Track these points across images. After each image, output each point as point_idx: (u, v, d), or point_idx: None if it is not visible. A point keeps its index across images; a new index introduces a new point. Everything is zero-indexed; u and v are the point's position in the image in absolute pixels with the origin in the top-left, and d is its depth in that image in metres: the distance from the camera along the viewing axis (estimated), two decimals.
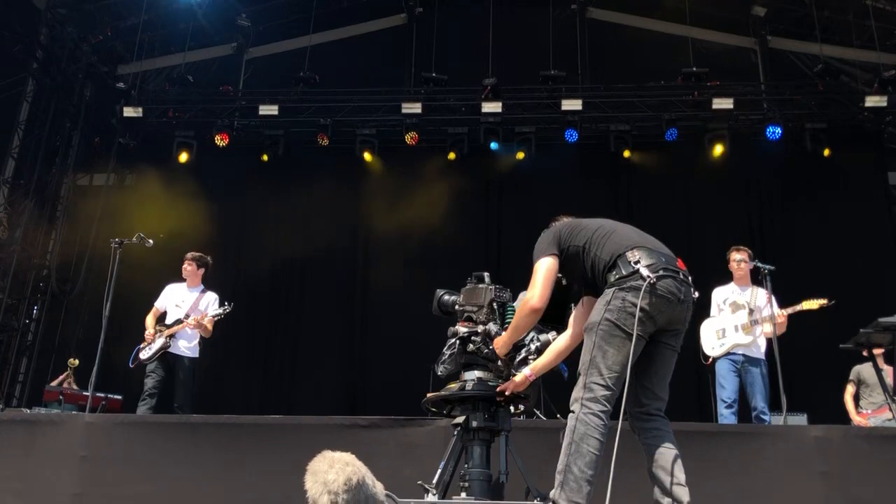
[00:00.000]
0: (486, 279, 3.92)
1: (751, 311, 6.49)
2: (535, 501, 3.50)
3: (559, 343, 3.67)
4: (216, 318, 6.89)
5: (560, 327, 3.72)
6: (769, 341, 6.34)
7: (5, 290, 10.86)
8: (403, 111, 11.02)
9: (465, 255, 10.89)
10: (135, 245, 6.72)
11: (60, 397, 8.22)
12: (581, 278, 3.59)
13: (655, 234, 11.03)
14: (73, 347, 10.41)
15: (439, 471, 3.63)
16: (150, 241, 6.80)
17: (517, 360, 3.69)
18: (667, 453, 3.28)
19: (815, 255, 9.97)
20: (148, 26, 11.79)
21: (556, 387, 3.97)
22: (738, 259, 6.69)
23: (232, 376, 10.57)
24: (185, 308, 7.00)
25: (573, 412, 3.25)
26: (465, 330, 3.78)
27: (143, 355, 6.87)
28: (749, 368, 6.45)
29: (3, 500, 4.58)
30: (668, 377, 3.49)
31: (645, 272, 3.29)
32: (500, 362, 3.70)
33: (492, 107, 10.92)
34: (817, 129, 10.69)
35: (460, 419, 3.71)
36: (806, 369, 8.17)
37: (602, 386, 3.22)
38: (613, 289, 3.33)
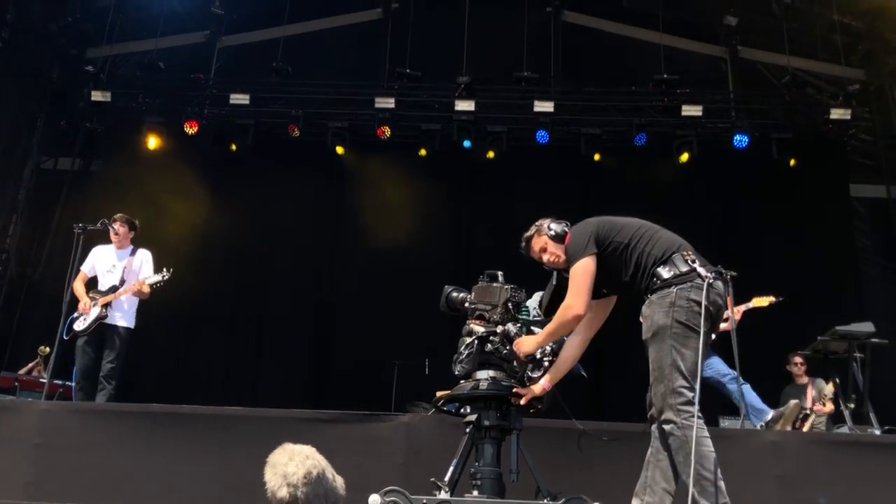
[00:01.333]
0: (500, 278, 3.93)
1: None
2: (546, 501, 3.51)
3: (570, 351, 3.70)
4: (155, 286, 6.67)
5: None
6: (728, 347, 6.41)
7: None
8: (377, 105, 10.97)
9: (435, 252, 10.91)
10: (98, 231, 6.62)
11: (16, 384, 8.06)
12: (616, 276, 3.57)
13: None
14: (31, 334, 10.22)
15: (451, 468, 3.63)
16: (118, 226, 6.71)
17: (534, 361, 3.71)
18: (662, 455, 3.37)
19: (778, 262, 10.13)
20: (120, 8, 11.61)
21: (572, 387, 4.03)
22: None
23: (196, 361, 10.49)
24: (118, 273, 6.74)
25: (671, 422, 3.23)
26: (482, 330, 3.78)
27: (78, 326, 6.55)
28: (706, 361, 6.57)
29: None
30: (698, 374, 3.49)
31: (703, 271, 3.35)
32: (515, 363, 3.71)
33: (465, 105, 10.93)
34: (783, 139, 10.86)
35: (472, 417, 3.71)
36: (764, 374, 8.31)
37: (688, 388, 3.24)
38: (674, 288, 3.34)
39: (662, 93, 11.12)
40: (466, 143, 11.22)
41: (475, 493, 3.59)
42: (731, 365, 6.33)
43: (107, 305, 6.57)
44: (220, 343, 10.80)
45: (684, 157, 10.96)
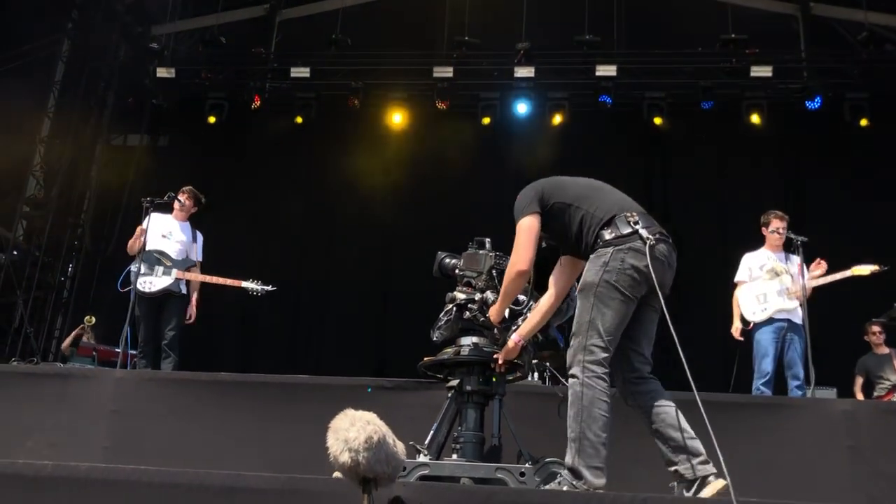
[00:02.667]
0: (487, 245, 3.89)
1: (792, 278, 6.37)
2: (527, 465, 3.51)
3: (541, 305, 3.62)
4: (255, 294, 6.77)
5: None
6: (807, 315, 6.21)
7: (41, 248, 11.07)
8: (435, 75, 10.91)
9: (497, 220, 10.83)
10: (165, 204, 6.77)
11: (94, 353, 8.38)
12: (562, 237, 3.51)
13: (687, 204, 11.00)
14: (106, 305, 10.60)
15: (432, 432, 3.66)
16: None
17: (513, 328, 3.66)
18: (669, 410, 3.26)
19: (851, 228, 9.77)
20: None
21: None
22: (780, 226, 6.54)
23: (261, 330, 10.73)
24: (174, 241, 6.79)
25: (575, 377, 3.21)
26: (462, 296, 3.78)
27: (144, 288, 6.54)
28: (792, 336, 6.32)
29: (38, 449, 4.70)
30: (653, 340, 3.48)
31: (644, 233, 3.25)
32: (496, 330, 3.68)
33: (525, 71, 10.78)
34: (859, 99, 10.41)
35: (454, 382, 3.73)
36: (837, 342, 8.06)
37: (601, 348, 3.19)
38: (611, 248, 3.26)
39: (730, 54, 10.77)
40: (525, 110, 11.08)
41: (454, 456, 3.60)
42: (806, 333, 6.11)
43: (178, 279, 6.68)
44: (287, 312, 11.00)
45: (754, 118, 10.60)
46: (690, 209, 10.84)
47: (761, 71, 10.41)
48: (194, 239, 7.00)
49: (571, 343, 3.29)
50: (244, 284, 6.77)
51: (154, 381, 5.29)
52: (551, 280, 3.60)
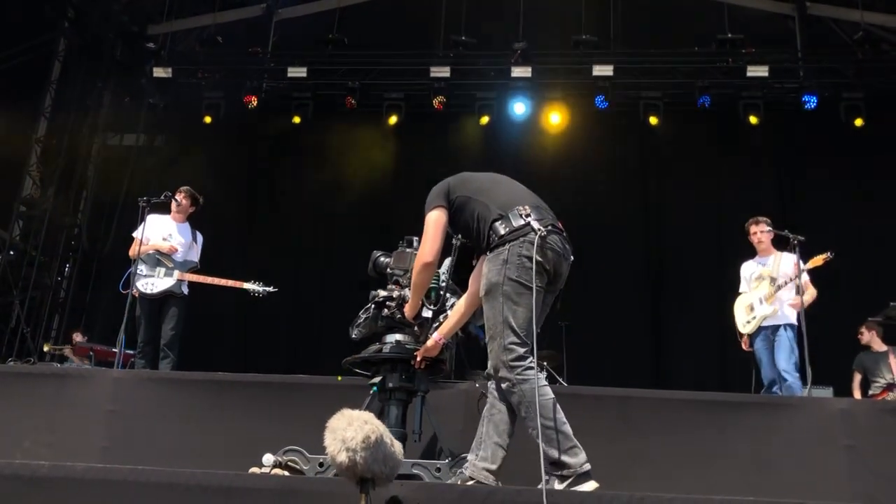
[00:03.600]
0: (415, 243, 3.90)
1: (772, 280, 6.41)
2: (447, 461, 3.54)
3: (460, 303, 3.66)
4: (256, 295, 6.76)
5: None
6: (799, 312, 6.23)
7: (38, 247, 11.04)
8: (432, 75, 10.91)
9: None
10: (162, 204, 6.76)
11: (90, 353, 8.37)
12: (467, 230, 3.55)
13: (683, 203, 11.05)
14: (103, 305, 10.59)
15: None
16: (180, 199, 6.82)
17: (434, 325, 3.69)
18: (508, 415, 3.31)
19: (847, 227, 9.80)
20: None
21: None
22: (757, 230, 6.60)
23: (259, 330, 10.71)
24: (175, 243, 6.77)
25: (507, 380, 3.22)
26: (383, 294, 3.82)
27: (146, 290, 6.54)
28: (777, 336, 6.37)
29: (36, 450, 4.69)
30: (540, 326, 3.46)
31: (536, 225, 3.31)
32: (416, 327, 3.72)
33: (522, 71, 10.78)
34: (854, 99, 10.42)
35: (377, 379, 3.77)
36: (833, 342, 8.09)
37: (519, 344, 3.23)
38: (507, 245, 3.31)
39: (726, 53, 10.78)
40: (522, 110, 11.08)
41: None
42: (799, 339, 6.12)
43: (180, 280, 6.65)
44: (285, 311, 11.00)
45: (751, 118, 10.61)
46: (687, 209, 10.86)
47: (758, 70, 10.42)
48: (194, 239, 6.99)
49: (490, 347, 3.31)
50: (246, 286, 6.77)
51: (152, 381, 5.28)
52: (471, 279, 3.63)
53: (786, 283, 6.33)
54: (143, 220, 6.62)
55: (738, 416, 4.45)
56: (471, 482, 3.18)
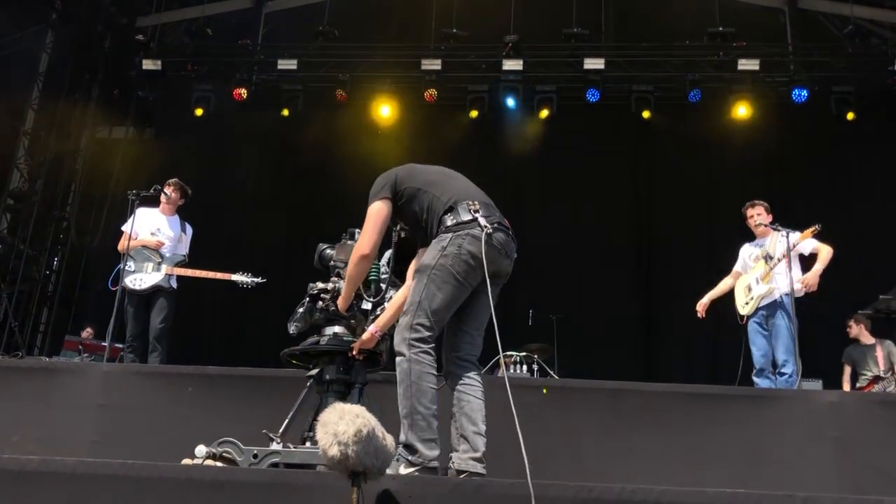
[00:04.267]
0: (357, 236, 3.87)
1: (767, 258, 6.42)
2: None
3: (398, 297, 3.66)
4: (245, 286, 6.73)
5: None
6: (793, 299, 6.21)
7: (26, 240, 10.97)
8: (423, 67, 10.89)
9: None
10: (152, 197, 6.72)
11: (80, 347, 8.33)
12: (414, 222, 3.57)
13: (676, 196, 11.03)
14: (92, 298, 10.54)
15: (287, 420, 3.69)
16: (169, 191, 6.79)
17: (371, 318, 3.71)
18: (474, 402, 3.32)
19: (837, 219, 9.84)
20: None
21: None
22: (753, 214, 6.63)
23: (249, 324, 10.68)
24: (163, 237, 6.72)
25: (402, 354, 3.27)
26: (319, 286, 3.81)
27: (134, 285, 6.49)
28: (773, 322, 6.34)
29: (25, 444, 4.67)
30: (484, 326, 3.50)
31: (483, 221, 3.32)
32: (353, 320, 3.72)
33: (513, 64, 10.77)
34: (844, 93, 10.47)
35: (314, 371, 3.76)
36: (823, 334, 8.13)
37: (426, 327, 3.26)
38: (451, 234, 3.33)
39: (718, 47, 10.79)
40: (512, 103, 11.08)
41: (308, 444, 3.62)
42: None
43: (169, 274, 6.61)
44: (275, 306, 10.95)
45: (741, 112, 10.64)
46: (677, 201, 10.89)
47: (748, 64, 10.45)
48: (183, 232, 6.95)
49: (399, 321, 3.36)
50: (234, 277, 6.73)
51: (141, 374, 5.26)
52: (409, 272, 3.63)
53: (779, 261, 6.33)
54: (132, 213, 6.57)
55: (728, 409, 4.47)
56: (463, 475, 3.19)
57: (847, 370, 7.96)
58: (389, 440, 2.42)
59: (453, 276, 3.28)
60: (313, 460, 3.49)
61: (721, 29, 10.67)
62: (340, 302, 3.68)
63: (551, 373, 7.75)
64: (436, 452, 3.15)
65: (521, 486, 2.66)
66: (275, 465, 3.47)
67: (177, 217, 6.97)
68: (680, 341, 10.01)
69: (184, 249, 6.87)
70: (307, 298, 3.83)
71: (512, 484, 2.76)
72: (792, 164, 10.84)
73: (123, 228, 6.69)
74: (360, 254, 3.47)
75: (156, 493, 2.71)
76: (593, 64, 10.59)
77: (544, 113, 11.05)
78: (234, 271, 6.81)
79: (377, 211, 3.50)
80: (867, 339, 7.85)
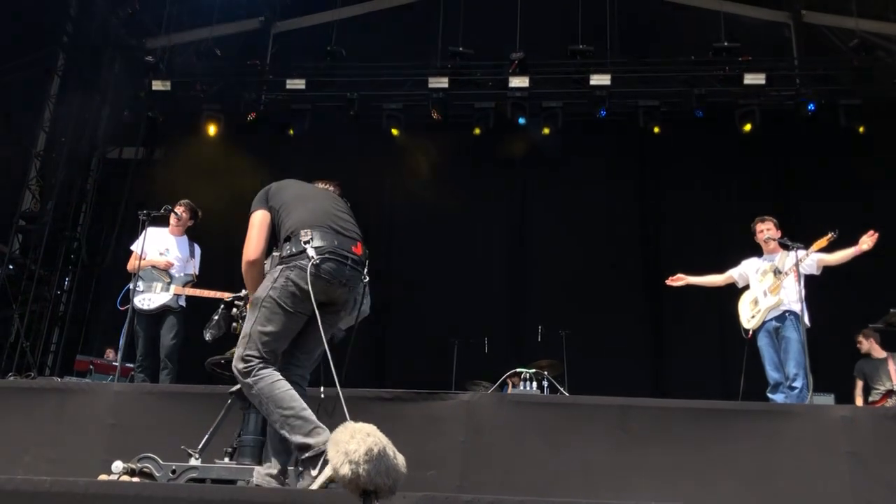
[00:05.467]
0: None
1: (776, 273, 6.39)
2: (293, 467, 3.55)
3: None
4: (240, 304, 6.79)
5: None
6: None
7: (37, 261, 11.04)
8: (430, 86, 10.95)
9: (490, 232, 10.89)
10: (162, 217, 6.77)
11: (90, 367, 8.36)
12: (275, 239, 3.73)
13: (682, 212, 11.00)
14: (103, 318, 10.58)
15: (207, 436, 3.78)
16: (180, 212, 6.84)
17: None
18: None
19: (848, 234, 9.80)
20: None
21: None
22: (763, 229, 6.63)
23: None
24: (172, 258, 6.78)
25: (245, 384, 3.38)
26: (231, 295, 3.98)
27: (143, 305, 6.55)
28: (783, 335, 6.29)
29: (37, 465, 4.68)
30: (317, 349, 3.64)
31: (311, 252, 3.44)
32: None
33: (519, 81, 10.81)
34: (851, 106, 10.46)
35: (234, 388, 3.80)
36: (835, 349, 8.08)
37: (257, 357, 3.37)
38: (281, 266, 3.48)
39: (723, 62, 10.80)
40: (521, 121, 11.12)
41: (226, 459, 3.71)
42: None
43: (178, 294, 6.67)
44: None
45: (747, 127, 10.64)
46: (685, 216, 10.89)
47: (754, 78, 10.45)
48: (192, 253, 6.99)
49: (236, 351, 3.47)
50: (227, 296, 6.73)
51: (152, 394, 5.27)
52: None
53: (787, 274, 6.30)
54: (142, 233, 6.63)
55: (739, 424, 4.45)
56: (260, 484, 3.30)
57: (859, 384, 7.91)
58: (400, 459, 2.43)
59: (281, 307, 3.41)
60: (229, 475, 3.58)
61: (726, 44, 10.69)
62: (249, 307, 3.76)
63: (561, 389, 7.73)
64: (324, 436, 3.20)
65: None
66: (193, 479, 3.56)
67: (185, 238, 7.02)
68: (689, 356, 9.97)
69: (192, 269, 6.91)
70: (222, 306, 3.95)
71: (522, 502, 2.76)
72: (800, 178, 10.83)
73: (133, 248, 6.75)
74: (246, 260, 3.64)
75: None
76: (599, 80, 10.62)
77: (547, 130, 11.09)
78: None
79: (259, 219, 3.68)
80: (879, 353, 7.80)
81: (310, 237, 3.49)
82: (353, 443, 2.28)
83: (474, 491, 3.81)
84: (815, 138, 10.67)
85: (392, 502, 2.55)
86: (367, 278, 3.74)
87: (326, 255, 3.47)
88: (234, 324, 3.95)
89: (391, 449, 2.39)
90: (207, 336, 4.00)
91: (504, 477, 3.40)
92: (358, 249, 3.65)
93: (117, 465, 3.54)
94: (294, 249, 3.49)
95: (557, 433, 4.15)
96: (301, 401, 3.32)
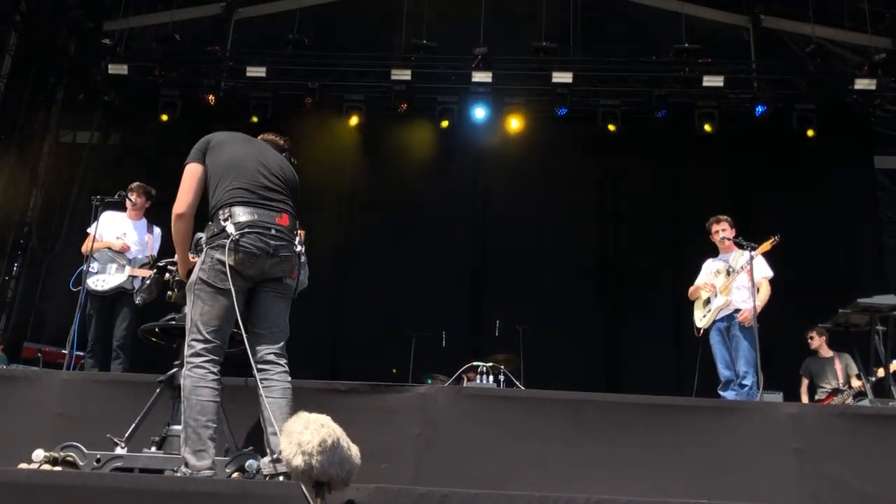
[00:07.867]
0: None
1: (729, 272, 6.52)
2: (220, 457, 3.57)
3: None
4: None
5: None
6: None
7: None
8: (393, 77, 10.89)
9: (450, 225, 10.88)
10: (116, 203, 6.64)
11: (39, 354, 8.16)
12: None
13: (640, 208, 11.09)
14: (53, 306, 10.33)
15: (133, 425, 3.79)
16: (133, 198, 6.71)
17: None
18: (273, 403, 3.43)
19: (798, 235, 10.03)
20: None
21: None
22: (718, 229, 6.75)
23: None
24: (129, 242, 6.66)
25: (185, 374, 3.41)
26: (166, 260, 3.95)
27: (97, 286, 6.41)
28: (733, 333, 6.43)
29: None
30: (278, 321, 3.64)
31: (231, 229, 3.46)
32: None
33: (482, 76, 10.83)
34: (806, 110, 10.69)
35: (164, 377, 3.84)
36: (784, 347, 8.25)
37: (200, 341, 3.41)
38: (206, 247, 3.52)
39: (683, 63, 10.96)
40: (482, 115, 11.14)
41: (153, 448, 3.73)
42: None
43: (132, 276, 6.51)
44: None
45: (708, 128, 10.80)
46: (643, 213, 11.02)
47: (713, 80, 10.61)
48: (150, 233, 6.86)
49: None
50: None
51: (102, 383, 5.15)
52: None
53: (738, 273, 6.43)
54: (96, 218, 6.48)
55: (691, 420, 4.51)
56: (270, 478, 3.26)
57: (805, 382, 8.09)
58: (355, 450, 2.41)
59: (211, 286, 3.42)
60: (155, 465, 3.57)
61: (687, 46, 10.83)
62: (179, 269, 3.77)
63: (517, 383, 7.77)
64: (206, 462, 3.24)
65: (486, 497, 2.67)
66: (118, 469, 3.54)
67: (143, 221, 6.89)
68: (645, 352, 10.11)
69: (150, 252, 6.78)
70: (155, 270, 3.94)
71: (476, 495, 2.76)
72: (755, 179, 11.04)
73: (89, 231, 6.59)
74: (175, 213, 3.61)
75: (114, 502, 2.66)
76: (561, 77, 10.68)
77: (512, 125, 11.14)
78: None
79: (190, 172, 3.65)
80: (826, 352, 7.99)
81: (228, 214, 3.48)
82: (306, 433, 2.26)
83: (429, 483, 3.80)
84: (770, 141, 10.88)
85: (345, 494, 2.53)
86: (301, 247, 3.71)
87: (245, 230, 3.46)
88: (169, 292, 3.91)
89: (345, 440, 2.37)
90: (138, 300, 4.01)
91: (459, 470, 3.40)
92: (283, 220, 3.61)
93: (38, 454, 3.48)
94: (216, 230, 3.50)
95: (513, 427, 4.17)
96: (210, 415, 3.31)
